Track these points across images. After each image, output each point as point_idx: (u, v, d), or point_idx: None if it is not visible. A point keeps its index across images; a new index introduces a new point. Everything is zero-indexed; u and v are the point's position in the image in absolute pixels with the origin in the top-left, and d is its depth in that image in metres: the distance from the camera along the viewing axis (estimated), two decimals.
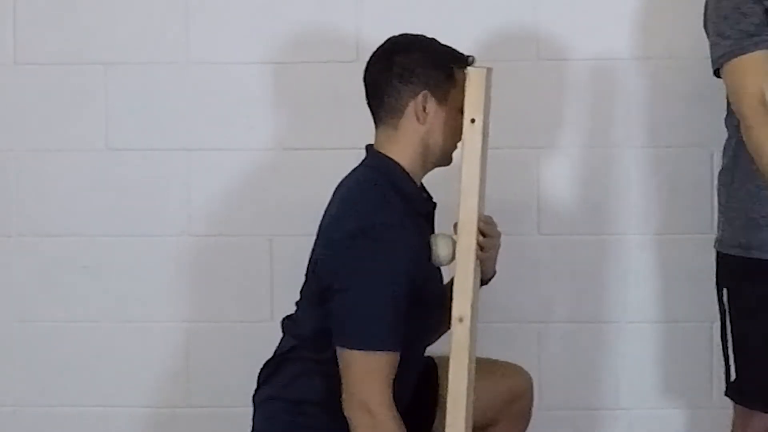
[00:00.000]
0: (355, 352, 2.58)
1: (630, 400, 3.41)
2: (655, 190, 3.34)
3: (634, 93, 3.33)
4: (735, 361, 2.83)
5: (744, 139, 2.70)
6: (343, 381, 2.60)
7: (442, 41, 2.79)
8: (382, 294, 2.58)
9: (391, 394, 2.58)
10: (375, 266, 2.58)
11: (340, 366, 2.60)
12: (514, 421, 2.96)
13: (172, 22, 3.39)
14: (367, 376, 2.57)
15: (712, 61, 2.75)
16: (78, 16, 3.39)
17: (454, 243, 2.62)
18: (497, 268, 2.80)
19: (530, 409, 3.00)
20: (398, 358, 2.60)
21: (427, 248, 2.68)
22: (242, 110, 3.40)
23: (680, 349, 3.30)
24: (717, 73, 2.76)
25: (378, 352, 2.57)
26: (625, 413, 3.42)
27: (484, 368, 2.84)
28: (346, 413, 2.59)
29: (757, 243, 2.77)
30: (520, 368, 3.00)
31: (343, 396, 2.60)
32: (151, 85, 3.40)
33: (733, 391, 2.86)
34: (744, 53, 2.67)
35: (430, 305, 2.70)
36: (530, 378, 3.01)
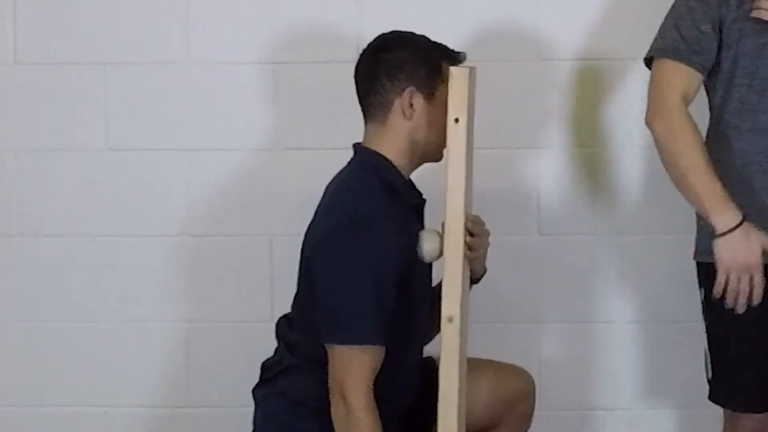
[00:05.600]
0: (336, 346, 2.60)
1: (630, 400, 3.41)
2: (656, 190, 3.34)
3: (634, 93, 3.33)
4: (711, 361, 2.87)
5: (660, 129, 2.77)
6: (329, 369, 2.62)
7: (442, 41, 2.79)
8: (365, 287, 2.58)
9: (371, 386, 2.59)
10: (358, 260, 2.59)
11: (328, 356, 2.62)
12: (515, 424, 2.95)
13: (172, 22, 3.39)
14: (346, 367, 2.58)
15: (658, 46, 2.85)
16: (78, 16, 3.39)
17: (441, 238, 2.61)
18: (492, 267, 2.79)
19: (532, 411, 2.99)
20: (383, 351, 2.61)
21: (414, 241, 2.67)
22: (242, 110, 3.40)
23: (680, 349, 3.30)
24: (648, 63, 2.88)
25: (359, 346, 2.58)
26: (625, 413, 3.42)
27: (485, 370, 2.85)
28: (330, 397, 2.62)
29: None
30: (523, 370, 3.00)
31: (329, 383, 2.62)
32: (151, 85, 3.40)
33: (711, 391, 2.90)
34: (682, 62, 2.79)
35: (417, 301, 2.70)
36: (532, 380, 3.00)
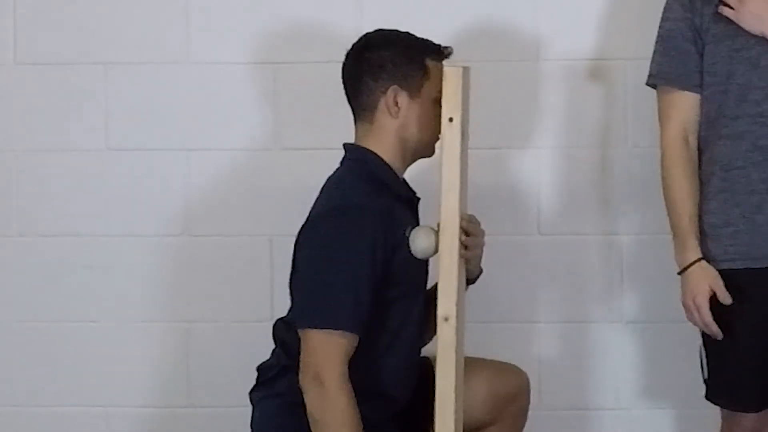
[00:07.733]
0: (310, 330, 2.60)
1: (629, 400, 3.41)
2: (655, 190, 3.33)
3: (634, 93, 3.33)
4: (708, 361, 2.89)
5: (660, 164, 2.88)
6: (301, 355, 2.61)
7: (442, 41, 2.79)
8: (341, 274, 2.59)
9: (346, 371, 2.58)
10: (334, 247, 2.61)
11: (301, 342, 2.62)
12: (511, 421, 2.95)
13: (172, 22, 3.39)
14: (321, 350, 2.58)
15: (650, 73, 2.91)
16: (78, 16, 3.40)
17: (436, 234, 2.60)
18: (492, 267, 2.79)
19: (527, 409, 2.99)
20: (356, 340, 2.60)
21: (402, 232, 2.66)
22: (242, 110, 3.40)
23: (680, 349, 3.30)
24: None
25: (335, 331, 2.58)
26: (625, 413, 3.42)
27: (481, 368, 2.85)
28: (300, 383, 2.60)
29: (706, 252, 2.85)
30: (518, 368, 3.00)
31: (300, 369, 2.61)
32: (151, 85, 3.40)
33: (708, 391, 2.92)
34: (673, 87, 2.86)
35: (410, 294, 2.71)
36: (527, 378, 3.01)
